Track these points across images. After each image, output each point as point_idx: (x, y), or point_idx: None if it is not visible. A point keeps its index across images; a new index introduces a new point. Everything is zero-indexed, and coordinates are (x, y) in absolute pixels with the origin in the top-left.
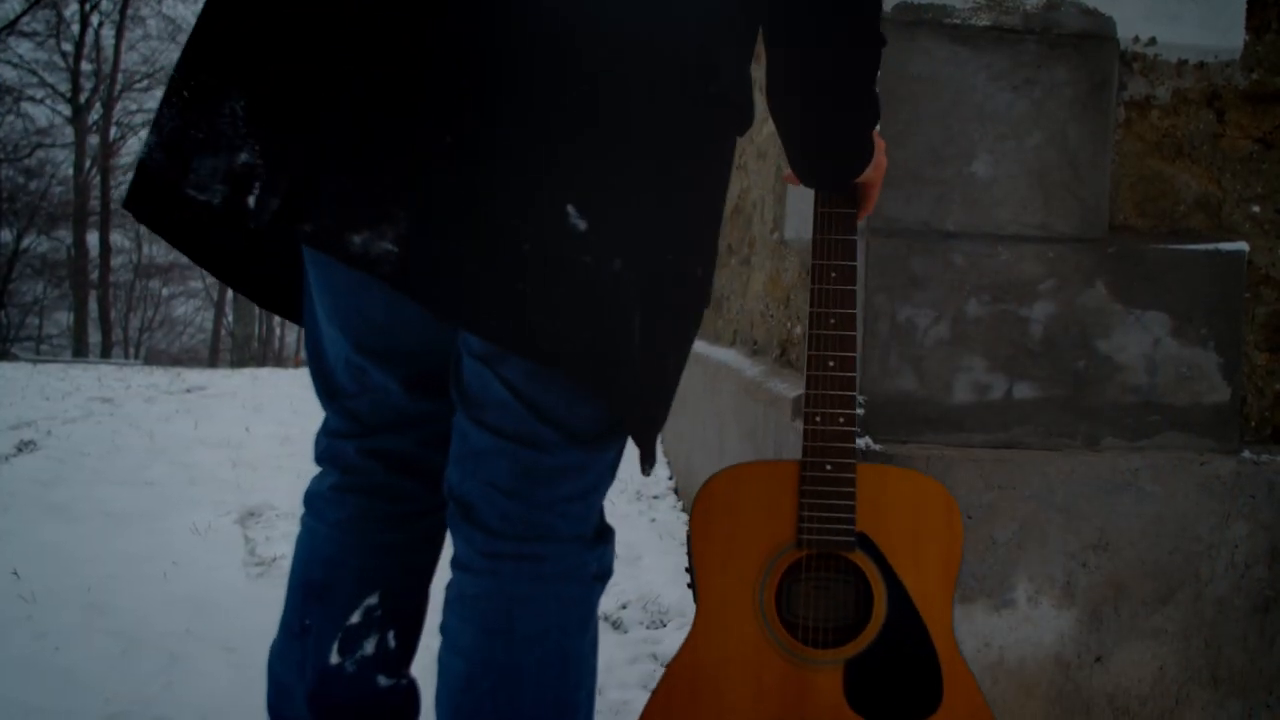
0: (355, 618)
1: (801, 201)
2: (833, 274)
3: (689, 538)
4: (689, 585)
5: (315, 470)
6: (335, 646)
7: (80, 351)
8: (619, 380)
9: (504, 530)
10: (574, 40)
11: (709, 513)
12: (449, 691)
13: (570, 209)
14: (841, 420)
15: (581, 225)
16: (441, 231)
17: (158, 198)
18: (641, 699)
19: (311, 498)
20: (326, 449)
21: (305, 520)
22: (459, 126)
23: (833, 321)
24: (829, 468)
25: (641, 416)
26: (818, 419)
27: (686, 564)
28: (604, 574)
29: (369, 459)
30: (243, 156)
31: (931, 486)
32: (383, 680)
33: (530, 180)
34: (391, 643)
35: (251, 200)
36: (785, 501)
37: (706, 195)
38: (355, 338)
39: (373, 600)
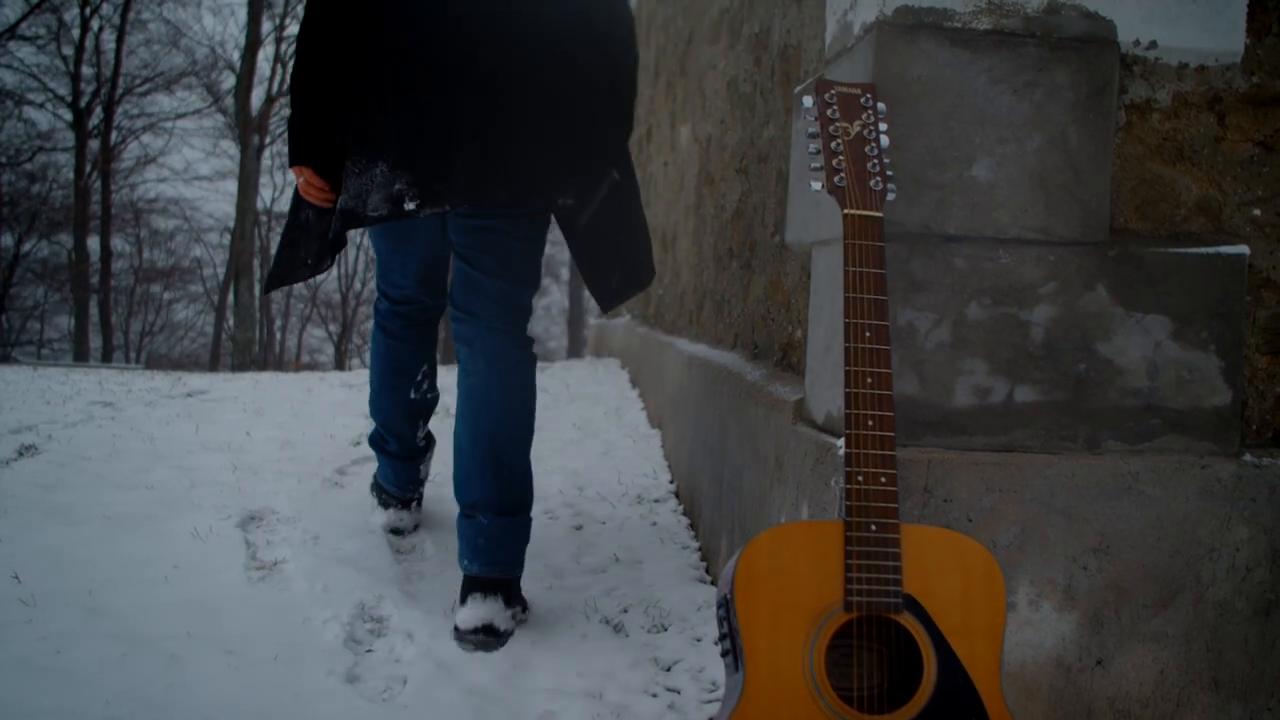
0: (419, 376)
1: (802, 205)
2: (867, 333)
3: (729, 600)
4: (724, 652)
5: (313, 474)
6: (412, 391)
7: (81, 356)
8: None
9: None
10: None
11: (753, 575)
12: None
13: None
14: (883, 480)
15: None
16: (474, 177)
17: (353, 224)
18: (642, 703)
19: (388, 327)
20: (400, 306)
21: (385, 336)
22: (484, 134)
23: (870, 381)
24: (873, 528)
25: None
26: (860, 478)
27: (722, 627)
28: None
29: (422, 310)
30: (396, 187)
31: (973, 548)
32: (429, 396)
33: (542, 132)
34: (433, 387)
35: (407, 205)
36: (830, 563)
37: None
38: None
39: (425, 368)
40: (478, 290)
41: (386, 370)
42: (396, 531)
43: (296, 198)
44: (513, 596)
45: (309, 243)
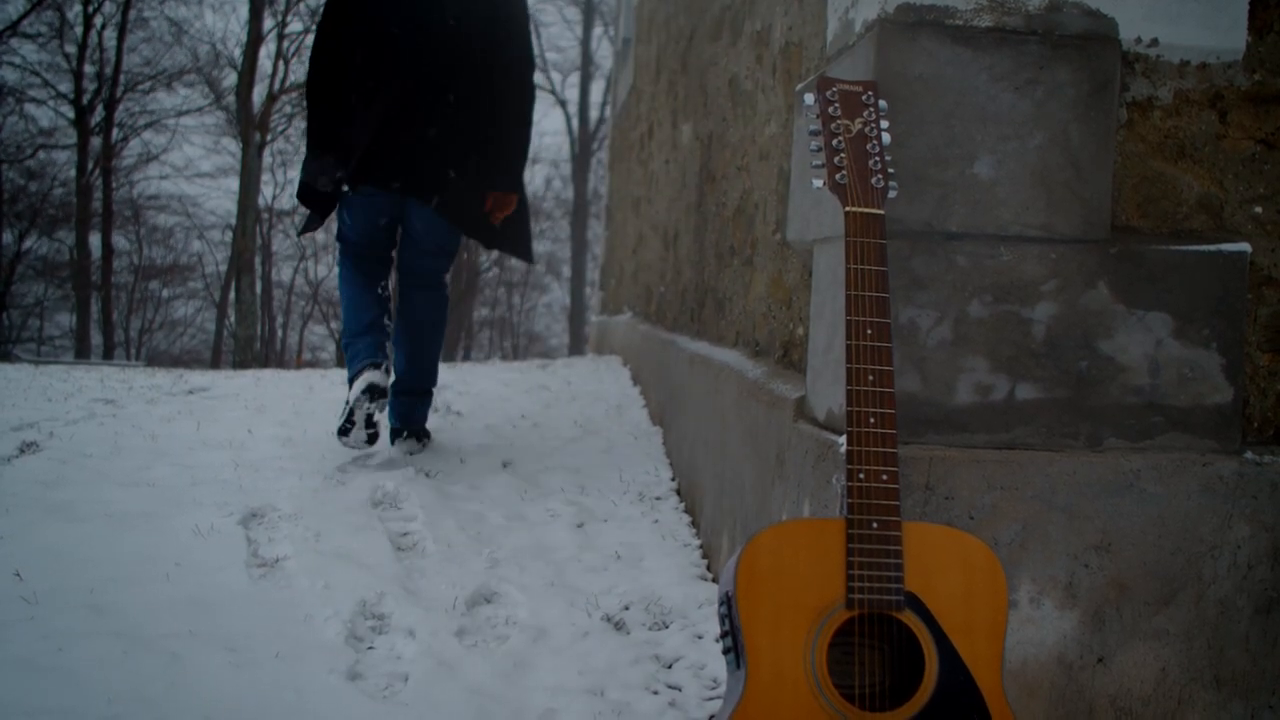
0: (382, 279)
1: (804, 203)
2: (868, 330)
3: (731, 598)
4: (726, 650)
5: (315, 471)
6: (379, 289)
7: (82, 353)
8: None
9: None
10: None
11: (755, 572)
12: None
13: (450, 170)
14: (885, 477)
15: (452, 173)
16: (419, 181)
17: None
18: (643, 700)
19: (354, 254)
20: (360, 246)
21: (351, 260)
22: (433, 151)
23: (871, 378)
24: (875, 525)
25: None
26: (861, 476)
27: (723, 625)
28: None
29: (378, 260)
30: (338, 174)
31: (975, 546)
32: (386, 322)
33: (444, 160)
34: (388, 291)
35: (344, 186)
36: (832, 561)
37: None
38: (372, 223)
39: (384, 282)
40: (416, 258)
41: (359, 279)
42: (373, 388)
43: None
44: (420, 435)
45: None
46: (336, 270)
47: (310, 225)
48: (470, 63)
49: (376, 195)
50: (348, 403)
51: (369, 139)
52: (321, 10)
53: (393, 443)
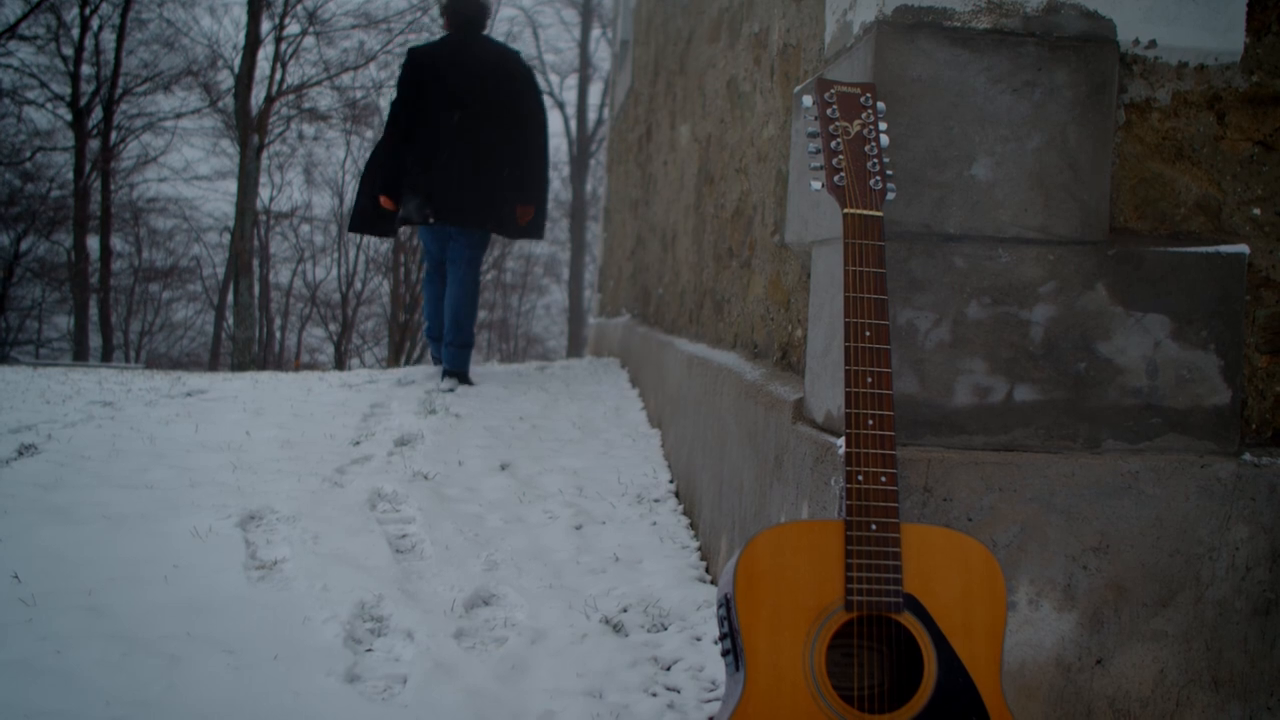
0: (440, 290)
1: (802, 204)
2: (867, 333)
3: (730, 600)
4: (725, 652)
5: (313, 473)
6: (438, 300)
7: (81, 355)
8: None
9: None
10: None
11: (754, 574)
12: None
13: (492, 201)
14: (884, 479)
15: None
16: (472, 215)
17: (406, 224)
18: (642, 702)
19: (432, 271)
20: (433, 262)
21: (431, 274)
22: (475, 185)
23: (869, 380)
24: (874, 527)
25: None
26: (860, 478)
27: (722, 627)
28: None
29: (443, 264)
30: (425, 210)
31: (974, 547)
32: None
33: (482, 188)
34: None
35: (430, 220)
36: (831, 563)
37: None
38: (439, 241)
39: (442, 288)
40: (459, 252)
41: (431, 288)
42: (451, 386)
43: (369, 193)
44: (464, 379)
45: (382, 219)
46: (424, 285)
47: (378, 230)
48: (504, 118)
49: (443, 225)
50: (441, 383)
51: (443, 184)
52: (398, 83)
53: (442, 378)
